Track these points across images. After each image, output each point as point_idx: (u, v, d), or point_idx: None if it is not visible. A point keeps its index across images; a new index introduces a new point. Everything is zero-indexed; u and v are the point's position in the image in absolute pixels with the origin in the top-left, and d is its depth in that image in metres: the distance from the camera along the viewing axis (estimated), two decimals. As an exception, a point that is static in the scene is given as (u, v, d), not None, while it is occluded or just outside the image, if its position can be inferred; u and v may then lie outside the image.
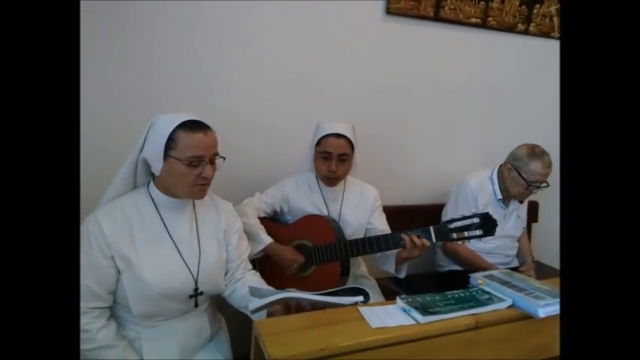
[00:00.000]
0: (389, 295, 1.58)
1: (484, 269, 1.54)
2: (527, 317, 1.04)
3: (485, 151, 2.24)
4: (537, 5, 2.21)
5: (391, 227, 1.58)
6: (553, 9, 2.25)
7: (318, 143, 1.47)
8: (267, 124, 1.81)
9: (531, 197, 2.20)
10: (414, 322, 0.95)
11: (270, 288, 1.19)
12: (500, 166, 1.90)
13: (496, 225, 1.21)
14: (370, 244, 1.37)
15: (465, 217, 1.25)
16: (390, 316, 0.96)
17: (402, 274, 1.49)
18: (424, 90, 2.09)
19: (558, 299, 1.04)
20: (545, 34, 2.27)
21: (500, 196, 1.88)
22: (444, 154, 2.23)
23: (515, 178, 1.81)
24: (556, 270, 2.12)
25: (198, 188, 1.11)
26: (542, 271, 2.02)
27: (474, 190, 1.85)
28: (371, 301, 1.13)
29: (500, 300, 1.06)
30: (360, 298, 1.03)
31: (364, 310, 0.99)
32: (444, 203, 2.00)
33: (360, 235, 1.52)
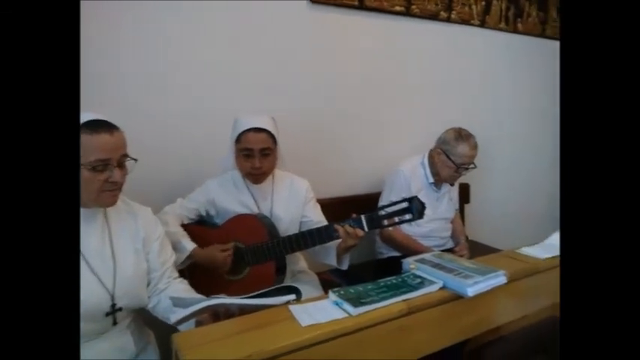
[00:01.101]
0: (331, 288, 1.55)
1: (421, 253, 1.56)
2: (458, 297, 1.06)
3: (422, 137, 2.28)
4: (457, -7, 2.28)
5: (335, 219, 1.54)
6: (471, -4, 2.34)
7: (238, 140, 1.39)
8: (185, 119, 1.69)
9: (462, 179, 2.29)
10: (346, 315, 0.93)
11: (197, 296, 1.11)
12: (431, 150, 1.94)
13: (424, 208, 1.21)
14: (304, 239, 1.33)
15: (394, 203, 1.24)
16: (322, 312, 0.93)
17: (344, 266, 1.47)
18: (354, 79, 2.08)
19: (487, 276, 1.06)
20: (466, 22, 2.36)
21: (432, 180, 1.93)
22: (382, 143, 2.25)
23: (444, 162, 1.86)
24: (489, 247, 2.22)
25: (108, 194, 1.01)
26: (476, 249, 2.10)
27: (407, 176, 1.88)
28: (312, 295, 1.08)
29: (432, 283, 1.06)
30: (292, 297, 0.99)
31: (295, 309, 0.95)
32: (385, 191, 2.01)
33: (295, 230, 1.47)
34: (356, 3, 1.98)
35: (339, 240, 1.32)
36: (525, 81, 2.72)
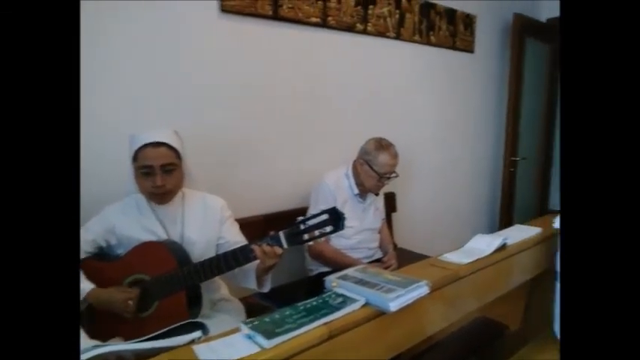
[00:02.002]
0: (259, 314, 1.44)
1: (350, 265, 1.50)
2: (382, 313, 1.00)
3: (347, 148, 2.27)
4: (371, 6, 2.32)
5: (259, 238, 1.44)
6: (385, 10, 2.39)
7: (135, 158, 1.25)
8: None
9: (388, 188, 2.30)
10: (259, 349, 0.82)
11: (89, 343, 0.94)
12: (354, 161, 1.92)
13: (344, 218, 1.16)
14: (218, 264, 1.21)
15: (313, 216, 1.18)
16: (231, 349, 0.82)
17: (266, 288, 1.36)
18: (274, 91, 2.01)
19: (409, 288, 1.02)
20: (382, 34, 2.40)
21: (357, 191, 1.90)
22: (307, 155, 2.19)
23: (367, 172, 1.84)
24: (417, 254, 2.24)
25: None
26: (405, 256, 2.10)
27: (332, 189, 1.84)
28: (233, 326, 0.97)
29: (354, 301, 1.00)
30: (197, 335, 0.86)
31: (199, 348, 0.82)
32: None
33: (212, 254, 1.34)
34: (270, 13, 1.93)
35: (258, 261, 1.22)
36: (442, 91, 2.84)
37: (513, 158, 3.18)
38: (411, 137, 2.69)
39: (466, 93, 3.01)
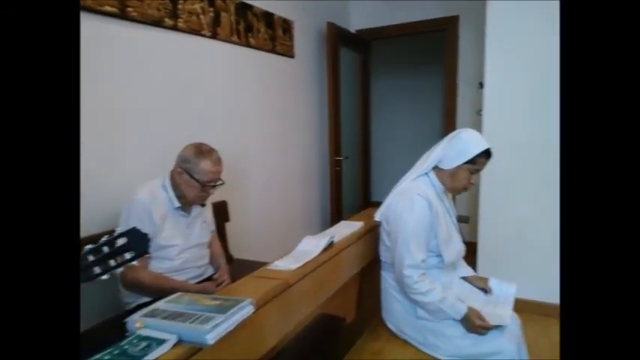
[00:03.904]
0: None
1: (175, 290, 1.29)
2: (201, 348, 0.84)
3: (161, 157, 1.99)
4: (181, 1, 2.11)
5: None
6: (197, 6, 2.21)
7: None
8: None
9: (218, 197, 2.13)
10: None
11: None
12: (171, 171, 1.69)
13: (147, 238, 0.95)
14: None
15: (106, 242, 0.93)
16: None
17: None
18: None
19: (229, 313, 0.89)
20: (196, 32, 2.22)
21: (177, 204, 1.68)
22: (114, 171, 1.84)
23: (187, 182, 1.64)
24: (255, 262, 2.13)
25: None
26: (242, 267, 1.97)
27: (147, 205, 1.57)
28: None
29: (162, 342, 0.81)
30: None
31: None
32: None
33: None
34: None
35: None
36: (267, 95, 2.81)
37: (338, 158, 3.39)
38: (239, 142, 2.58)
39: (290, 97, 3.07)
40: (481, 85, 2.64)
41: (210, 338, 0.81)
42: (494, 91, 2.54)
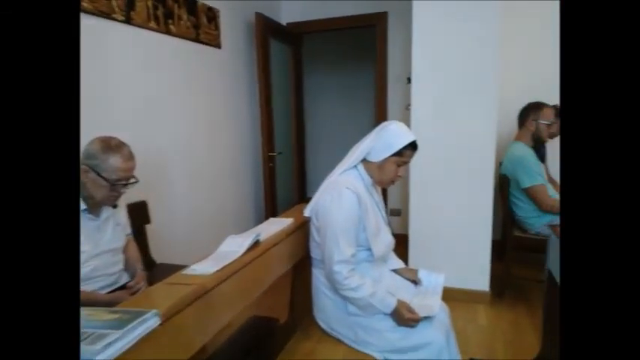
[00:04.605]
0: None
1: (83, 302, 1.13)
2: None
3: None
4: (86, -22, 1.89)
5: None
6: (107, -14, 2.00)
7: None
8: None
9: (136, 197, 1.95)
10: None
11: None
12: (75, 168, 1.50)
13: None
14: None
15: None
16: None
17: None
18: None
19: (128, 328, 0.77)
20: (106, 14, 2.00)
21: (84, 207, 1.49)
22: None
23: (94, 180, 1.46)
24: (178, 266, 1.98)
25: None
26: (165, 272, 1.81)
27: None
28: None
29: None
30: None
31: None
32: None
33: None
34: None
35: None
36: (192, 87, 2.64)
37: (271, 153, 3.29)
38: (160, 136, 2.39)
39: (218, 89, 2.91)
40: (409, 80, 2.69)
41: (104, 357, 0.69)
42: (421, 86, 2.59)
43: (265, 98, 3.21)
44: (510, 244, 2.66)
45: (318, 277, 1.56)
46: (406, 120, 2.28)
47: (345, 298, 1.45)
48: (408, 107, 2.79)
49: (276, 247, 1.50)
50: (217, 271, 1.15)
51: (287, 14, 3.80)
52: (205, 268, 1.16)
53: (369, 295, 1.40)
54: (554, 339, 1.58)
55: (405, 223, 2.90)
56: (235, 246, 1.31)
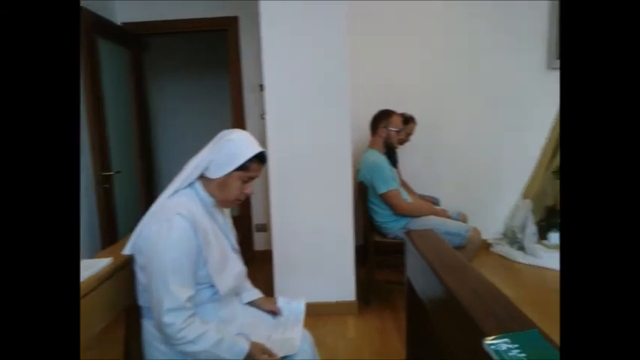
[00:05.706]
0: None
1: None
2: None
3: None
4: None
5: None
6: None
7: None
8: None
9: None
10: None
11: None
12: None
13: None
14: None
15: None
16: None
17: None
18: None
19: None
20: None
21: None
22: None
23: None
24: None
25: None
26: None
27: None
28: None
29: None
30: None
31: None
32: None
33: None
34: None
35: None
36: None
37: (105, 173, 2.75)
38: None
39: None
40: (261, 87, 2.51)
41: None
42: (275, 95, 2.44)
43: (93, 108, 2.66)
44: (371, 249, 2.68)
45: (148, 329, 1.23)
46: (262, 130, 2.09)
47: (184, 355, 1.16)
48: (263, 116, 2.61)
49: (85, 299, 1.13)
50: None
51: (123, 13, 3.30)
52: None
53: (214, 344, 1.13)
54: (418, 339, 1.54)
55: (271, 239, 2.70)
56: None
